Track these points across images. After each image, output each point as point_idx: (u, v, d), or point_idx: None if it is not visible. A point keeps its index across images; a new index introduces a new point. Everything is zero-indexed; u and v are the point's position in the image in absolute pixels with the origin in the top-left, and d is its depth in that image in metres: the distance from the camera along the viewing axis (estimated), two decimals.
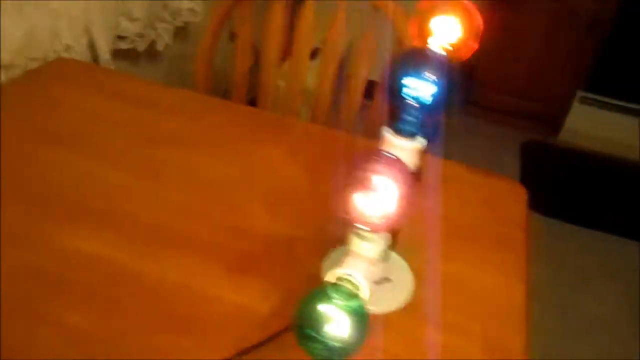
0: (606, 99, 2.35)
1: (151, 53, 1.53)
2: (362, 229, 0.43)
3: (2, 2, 1.00)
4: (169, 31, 1.50)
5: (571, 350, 1.67)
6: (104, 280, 0.67)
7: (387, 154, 0.42)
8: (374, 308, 0.66)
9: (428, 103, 0.47)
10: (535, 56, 2.38)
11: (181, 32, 1.61)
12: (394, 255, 0.71)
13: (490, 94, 2.54)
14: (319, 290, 0.47)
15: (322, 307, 0.45)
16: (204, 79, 1.14)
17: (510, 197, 0.89)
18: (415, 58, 0.47)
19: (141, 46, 1.42)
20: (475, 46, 0.56)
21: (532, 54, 2.38)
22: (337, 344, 0.43)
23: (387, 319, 0.66)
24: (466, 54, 0.57)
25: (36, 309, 0.62)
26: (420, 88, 0.46)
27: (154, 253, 0.71)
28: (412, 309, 0.68)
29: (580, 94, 2.38)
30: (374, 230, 0.43)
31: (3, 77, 1.04)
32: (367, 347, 0.62)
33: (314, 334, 0.43)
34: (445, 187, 0.90)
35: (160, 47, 1.51)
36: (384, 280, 0.69)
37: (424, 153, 0.86)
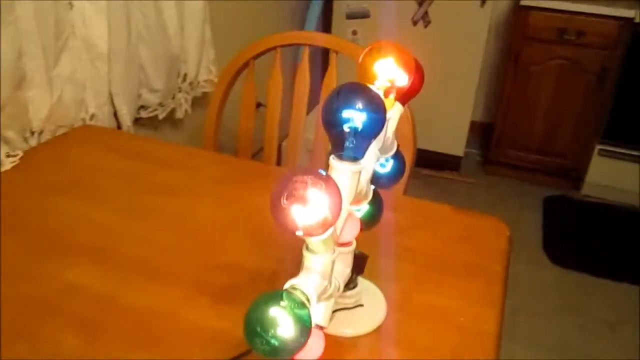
0: (624, 150, 2.36)
1: (172, 121, 1.66)
2: (299, 235, 0.49)
3: (34, 74, 1.14)
4: (188, 100, 1.64)
5: None
6: (97, 308, 0.74)
7: (316, 171, 0.48)
8: (347, 330, 0.71)
9: (360, 129, 0.54)
10: (550, 111, 2.44)
11: (201, 101, 1.75)
12: (367, 283, 0.76)
13: (509, 151, 2.58)
14: (273, 293, 0.53)
15: (271, 308, 0.51)
16: (212, 137, 1.24)
17: (491, 233, 0.93)
18: (347, 92, 0.54)
19: (161, 114, 1.56)
20: (418, 84, 0.63)
21: (546, 109, 2.44)
22: (276, 343, 0.48)
23: (358, 340, 0.70)
24: (413, 91, 0.65)
25: (36, 330, 0.69)
26: (353, 117, 0.54)
27: (144, 286, 0.78)
28: (383, 332, 0.72)
29: (598, 146, 2.40)
30: (308, 234, 0.49)
31: (34, 143, 1.17)
32: None
33: (258, 329, 0.48)
34: (427, 225, 0.95)
35: (180, 115, 1.64)
36: (357, 306, 0.74)
37: (402, 194, 0.91)
